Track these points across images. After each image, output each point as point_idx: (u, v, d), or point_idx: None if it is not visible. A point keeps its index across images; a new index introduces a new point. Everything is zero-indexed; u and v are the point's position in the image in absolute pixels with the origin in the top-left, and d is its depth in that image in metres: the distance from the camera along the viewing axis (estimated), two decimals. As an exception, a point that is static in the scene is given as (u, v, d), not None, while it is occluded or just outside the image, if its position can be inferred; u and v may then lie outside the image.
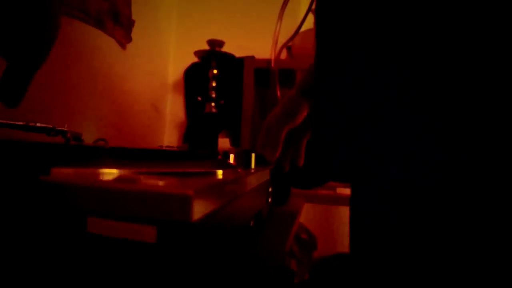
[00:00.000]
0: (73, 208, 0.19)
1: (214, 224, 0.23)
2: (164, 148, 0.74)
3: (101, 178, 0.23)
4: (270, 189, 0.57)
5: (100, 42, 1.06)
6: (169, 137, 1.62)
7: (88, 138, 0.90)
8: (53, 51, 0.87)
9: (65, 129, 0.48)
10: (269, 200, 0.57)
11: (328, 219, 1.61)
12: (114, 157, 0.28)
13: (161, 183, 0.21)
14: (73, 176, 0.22)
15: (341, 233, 1.62)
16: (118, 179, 0.21)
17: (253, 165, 0.47)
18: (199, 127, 1.44)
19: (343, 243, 1.63)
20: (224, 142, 1.16)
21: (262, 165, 0.56)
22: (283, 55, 1.27)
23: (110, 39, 1.10)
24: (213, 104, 1.42)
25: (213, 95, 1.43)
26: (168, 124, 1.63)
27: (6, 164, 0.21)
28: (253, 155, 0.47)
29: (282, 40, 1.20)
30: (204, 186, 0.21)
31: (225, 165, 0.37)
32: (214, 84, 1.42)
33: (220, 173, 0.32)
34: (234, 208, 0.29)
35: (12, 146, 0.28)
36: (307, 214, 1.54)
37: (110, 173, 0.24)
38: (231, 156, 0.47)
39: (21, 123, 0.46)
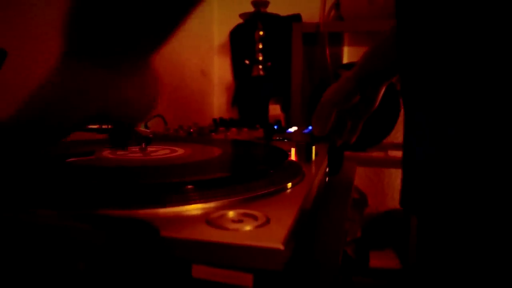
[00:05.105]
0: (179, 258, 0.22)
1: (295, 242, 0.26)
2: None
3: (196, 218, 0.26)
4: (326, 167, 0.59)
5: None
6: (218, 100, 1.65)
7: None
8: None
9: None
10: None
11: (379, 176, 1.62)
12: (188, 191, 0.31)
13: (250, 227, 0.23)
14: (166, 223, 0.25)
15: (391, 189, 1.63)
16: (210, 222, 0.24)
17: (313, 157, 0.49)
18: (247, 91, 1.46)
19: (394, 197, 1.64)
20: (274, 109, 1.18)
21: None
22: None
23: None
24: (260, 66, 1.41)
25: (260, 58, 1.42)
26: (217, 87, 1.65)
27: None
28: (313, 148, 0.48)
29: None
30: (288, 230, 0.23)
31: (292, 173, 0.39)
32: (260, 46, 1.41)
33: (289, 186, 0.34)
34: (305, 212, 0.32)
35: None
36: (358, 173, 1.55)
37: (195, 209, 0.27)
38: (293, 151, 0.49)
39: (95, 126, 0.50)
